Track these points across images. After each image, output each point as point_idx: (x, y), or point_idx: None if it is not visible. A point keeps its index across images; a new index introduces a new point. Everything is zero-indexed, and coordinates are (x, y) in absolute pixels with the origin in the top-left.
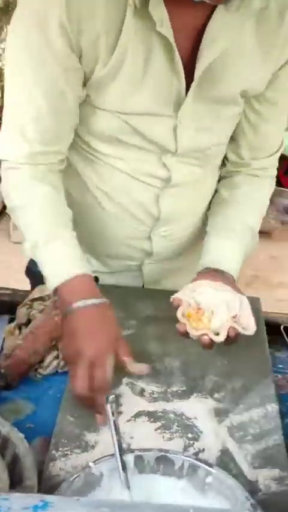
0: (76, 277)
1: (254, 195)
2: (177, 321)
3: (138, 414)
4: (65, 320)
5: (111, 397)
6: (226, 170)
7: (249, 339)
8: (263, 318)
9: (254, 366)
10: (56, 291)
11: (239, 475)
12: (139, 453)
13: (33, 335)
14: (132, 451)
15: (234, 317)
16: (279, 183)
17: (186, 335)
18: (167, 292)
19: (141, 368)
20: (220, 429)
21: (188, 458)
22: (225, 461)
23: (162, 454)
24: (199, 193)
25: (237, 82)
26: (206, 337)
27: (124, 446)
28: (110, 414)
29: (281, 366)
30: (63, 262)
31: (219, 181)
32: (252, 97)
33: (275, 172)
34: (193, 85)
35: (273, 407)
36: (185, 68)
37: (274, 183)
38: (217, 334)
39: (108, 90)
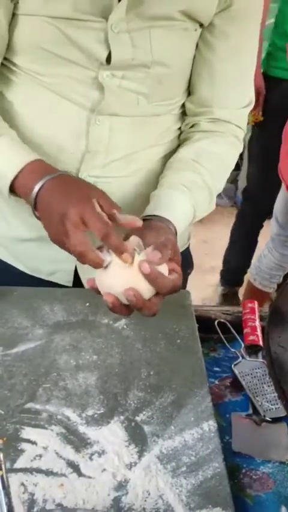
0: (27, 165)
1: (213, 149)
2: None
3: (40, 456)
4: (35, 209)
5: None
6: (187, 130)
7: (179, 341)
8: (194, 314)
9: (185, 374)
10: (13, 188)
11: None
12: None
13: None
14: None
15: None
16: None
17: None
18: (80, 292)
19: (130, 220)
20: (147, 461)
21: None
22: (155, 503)
23: None
24: (144, 135)
25: None
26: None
27: (18, 505)
28: None
29: (217, 369)
30: (10, 156)
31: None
32: (205, 28)
33: (241, 134)
34: None
35: (210, 426)
36: None
37: (240, 147)
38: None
39: None
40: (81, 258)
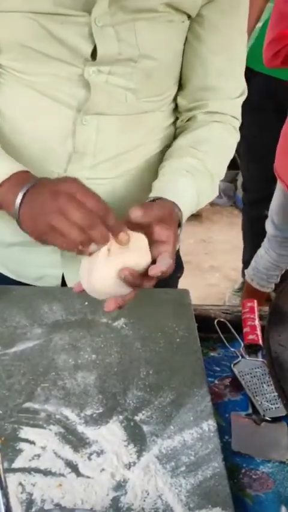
0: (11, 176)
1: (211, 135)
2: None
3: (38, 456)
4: (19, 222)
5: None
6: (182, 124)
7: (178, 340)
8: (193, 313)
9: (185, 374)
10: None
11: None
12: None
13: None
14: None
15: None
16: None
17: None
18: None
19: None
20: (146, 461)
21: None
22: (154, 503)
23: None
24: (132, 134)
25: None
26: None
27: (17, 505)
28: None
29: (217, 368)
30: None
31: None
32: (194, 20)
33: (237, 123)
34: None
35: (210, 425)
36: None
37: (237, 136)
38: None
39: None
40: (89, 229)
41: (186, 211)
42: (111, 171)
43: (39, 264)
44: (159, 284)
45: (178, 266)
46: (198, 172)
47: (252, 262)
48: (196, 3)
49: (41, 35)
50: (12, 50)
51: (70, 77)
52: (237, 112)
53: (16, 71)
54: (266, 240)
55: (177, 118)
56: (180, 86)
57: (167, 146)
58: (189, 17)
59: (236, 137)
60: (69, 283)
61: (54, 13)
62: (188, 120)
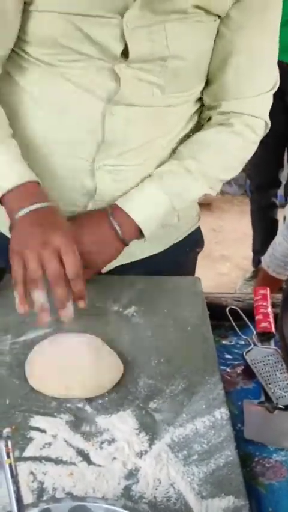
0: (20, 186)
1: (209, 138)
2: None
3: (49, 444)
4: (12, 233)
5: (6, 431)
6: (203, 123)
7: (189, 329)
8: (205, 301)
9: (196, 362)
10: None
11: (183, 511)
12: (46, 505)
13: None
14: (35, 505)
15: None
16: None
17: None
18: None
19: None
20: (158, 450)
21: (112, 507)
22: (166, 492)
23: (78, 503)
24: (158, 126)
25: None
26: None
27: (28, 494)
28: (5, 455)
29: (228, 356)
30: (4, 169)
31: None
32: (221, 23)
33: (254, 121)
34: None
35: (222, 413)
36: None
37: (250, 134)
38: None
39: None
40: (53, 284)
41: (144, 211)
42: (135, 159)
43: None
44: (179, 259)
45: (198, 241)
46: (174, 175)
47: (269, 249)
48: (225, 4)
49: (74, 34)
50: (44, 44)
51: (100, 70)
52: (258, 109)
53: (46, 63)
54: (284, 226)
55: (201, 107)
56: (206, 83)
57: (187, 135)
58: (218, 16)
59: (247, 136)
60: None
61: (88, 14)
62: (208, 119)
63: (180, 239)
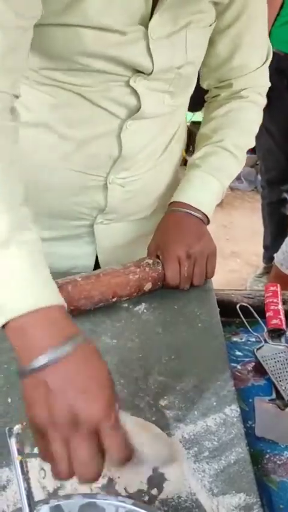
0: (38, 312)
1: (228, 111)
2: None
3: None
4: (25, 381)
5: (16, 428)
6: (209, 100)
7: (200, 325)
8: (215, 298)
9: (207, 359)
10: (5, 328)
11: (194, 507)
12: (57, 502)
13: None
14: (46, 502)
15: None
16: None
17: None
18: None
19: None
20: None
21: (122, 504)
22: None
23: (88, 500)
24: (164, 130)
25: None
26: None
27: (39, 491)
28: (15, 451)
29: (239, 353)
30: (16, 287)
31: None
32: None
33: (262, 88)
34: None
35: (233, 410)
36: None
37: (262, 102)
38: None
39: (80, 5)
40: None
41: (207, 203)
42: (144, 167)
43: (71, 257)
44: None
45: None
46: (210, 154)
47: (283, 246)
48: None
49: (92, 51)
50: (62, 62)
51: (116, 87)
52: (261, 79)
53: (59, 80)
54: None
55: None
56: (209, 69)
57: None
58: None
59: (260, 102)
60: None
61: (114, 30)
62: (214, 96)
63: None
